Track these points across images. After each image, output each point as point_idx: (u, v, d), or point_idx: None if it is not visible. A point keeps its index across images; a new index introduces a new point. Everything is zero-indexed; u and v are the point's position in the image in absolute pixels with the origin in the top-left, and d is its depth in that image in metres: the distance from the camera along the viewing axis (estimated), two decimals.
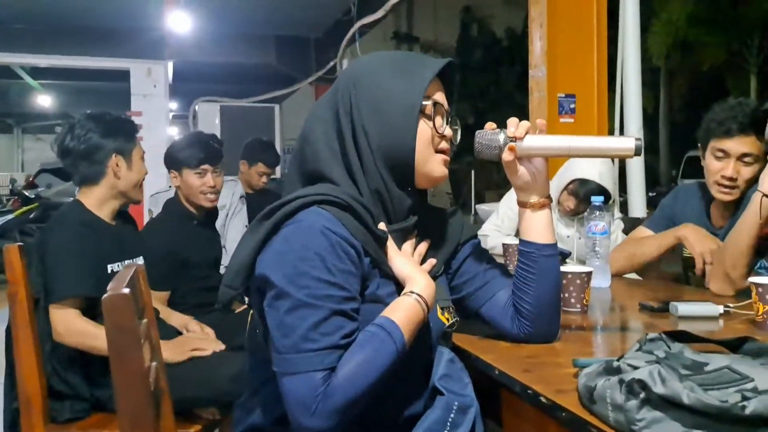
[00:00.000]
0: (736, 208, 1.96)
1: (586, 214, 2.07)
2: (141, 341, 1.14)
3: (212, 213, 2.74)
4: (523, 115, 1.31)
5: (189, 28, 6.42)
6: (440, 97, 1.26)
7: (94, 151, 2.05)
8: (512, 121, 1.29)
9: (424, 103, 1.20)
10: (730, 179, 1.94)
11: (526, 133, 1.27)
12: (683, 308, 1.57)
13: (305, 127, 1.26)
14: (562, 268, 1.57)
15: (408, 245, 1.27)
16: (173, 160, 2.64)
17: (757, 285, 1.47)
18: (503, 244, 2.25)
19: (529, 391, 1.07)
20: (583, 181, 2.62)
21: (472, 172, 14.19)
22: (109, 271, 2.00)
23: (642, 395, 0.81)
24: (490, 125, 1.30)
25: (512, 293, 1.33)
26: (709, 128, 1.98)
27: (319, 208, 1.12)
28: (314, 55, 9.31)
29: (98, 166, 2.05)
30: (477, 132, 1.28)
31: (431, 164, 1.24)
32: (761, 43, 19.26)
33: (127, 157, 2.09)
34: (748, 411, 0.75)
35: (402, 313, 1.13)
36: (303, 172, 1.24)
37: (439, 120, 1.24)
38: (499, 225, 2.96)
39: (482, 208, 5.77)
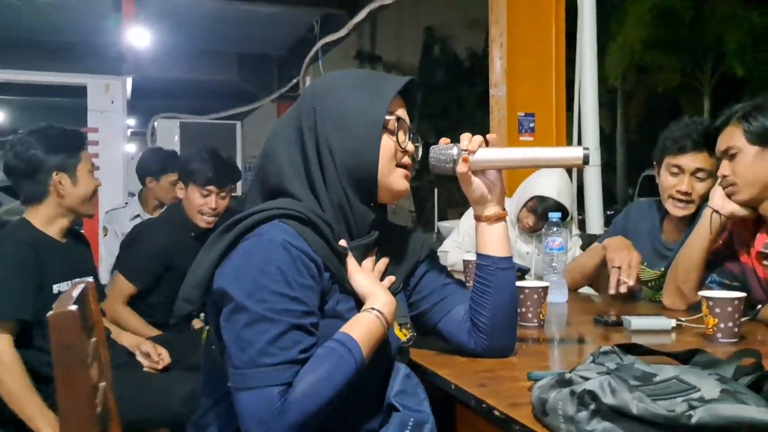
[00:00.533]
0: (688, 224, 1.99)
1: (543, 230, 2.10)
2: (88, 360, 1.11)
3: (212, 231, 2.69)
4: (485, 134, 1.33)
5: (148, 44, 6.36)
6: (402, 113, 1.28)
7: (35, 169, 1.98)
8: (465, 136, 1.31)
9: (387, 118, 1.22)
10: (685, 194, 1.98)
11: (479, 147, 1.29)
12: (636, 322, 1.59)
13: (267, 143, 1.26)
14: (519, 283, 1.58)
15: (368, 261, 1.28)
16: (183, 171, 2.61)
17: (708, 299, 1.50)
18: (463, 261, 2.26)
19: (483, 405, 1.07)
20: (541, 199, 2.66)
21: (435, 190, 14.29)
22: (56, 291, 1.93)
23: (592, 406, 0.82)
24: (444, 140, 1.32)
25: (469, 307, 1.33)
26: (664, 145, 2.03)
27: (280, 222, 1.12)
28: (277, 73, 9.30)
29: (40, 185, 1.99)
30: (431, 147, 1.31)
31: (393, 178, 1.25)
32: (714, 66, 19.85)
33: (71, 172, 2.02)
34: (694, 420, 0.76)
35: (362, 329, 1.13)
36: (264, 188, 1.24)
37: (401, 135, 1.26)
38: (460, 242, 2.98)
39: (444, 225, 5.80)
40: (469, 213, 3.04)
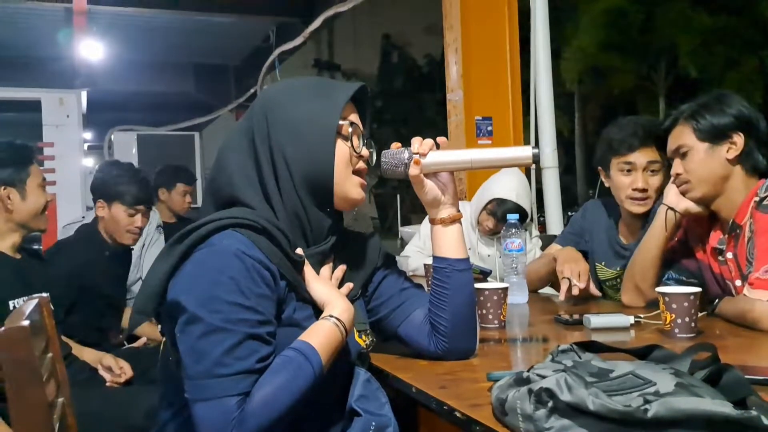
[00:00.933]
0: (644, 223, 2.02)
1: (502, 232, 2.11)
2: (42, 376, 1.08)
3: (127, 250, 2.65)
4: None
5: (102, 57, 6.25)
6: (355, 118, 1.29)
7: None
8: (416, 139, 1.32)
9: (340, 123, 1.22)
10: (642, 190, 1.99)
11: (430, 150, 1.30)
12: (596, 320, 1.61)
13: (219, 155, 1.25)
14: (479, 285, 1.59)
15: (326, 269, 1.27)
16: (107, 191, 2.54)
17: (664, 295, 1.52)
18: (425, 265, 2.27)
19: (444, 407, 1.07)
20: (501, 201, 2.69)
21: (398, 196, 14.34)
22: (11, 308, 1.89)
23: (550, 404, 0.82)
24: (395, 145, 1.33)
25: (428, 310, 1.34)
26: (610, 147, 2.04)
27: (234, 231, 1.11)
28: (234, 83, 9.23)
29: None
30: (383, 152, 1.32)
31: (349, 186, 1.25)
32: (668, 67, 20.31)
33: (19, 187, 1.99)
34: (650, 414, 0.76)
35: (320, 337, 1.12)
36: (217, 199, 1.24)
37: (355, 140, 1.26)
38: (421, 246, 2.99)
39: (406, 230, 5.81)
40: None
